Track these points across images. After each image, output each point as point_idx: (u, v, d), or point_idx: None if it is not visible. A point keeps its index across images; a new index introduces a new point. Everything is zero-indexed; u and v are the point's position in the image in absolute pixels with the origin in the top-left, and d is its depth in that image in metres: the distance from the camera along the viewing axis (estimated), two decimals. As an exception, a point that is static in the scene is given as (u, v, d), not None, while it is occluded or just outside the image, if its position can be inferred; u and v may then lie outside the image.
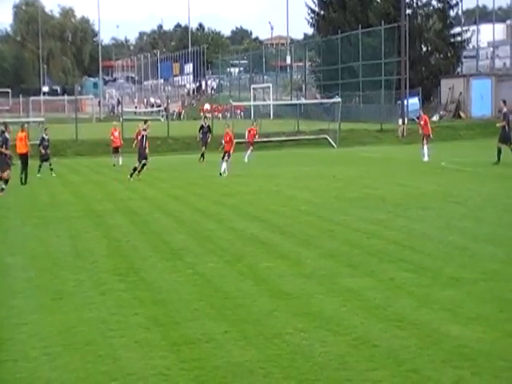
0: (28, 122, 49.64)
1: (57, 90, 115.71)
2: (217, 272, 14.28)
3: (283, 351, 9.60)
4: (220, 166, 32.02)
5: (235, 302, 12.09)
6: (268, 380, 8.70)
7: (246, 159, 38.03)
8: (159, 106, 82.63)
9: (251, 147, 38.55)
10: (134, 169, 31.54)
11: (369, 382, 8.47)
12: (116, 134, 40.63)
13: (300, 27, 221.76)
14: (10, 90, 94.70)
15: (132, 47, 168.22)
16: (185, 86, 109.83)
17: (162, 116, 75.41)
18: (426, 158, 35.06)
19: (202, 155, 40.14)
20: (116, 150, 40.08)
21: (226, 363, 9.28)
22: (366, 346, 9.70)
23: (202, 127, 42.46)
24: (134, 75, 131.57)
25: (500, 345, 9.57)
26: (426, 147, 35.31)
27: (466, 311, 11.08)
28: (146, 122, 33.64)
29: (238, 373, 8.98)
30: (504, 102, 33.78)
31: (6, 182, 26.90)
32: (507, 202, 21.87)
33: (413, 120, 54.06)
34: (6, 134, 27.44)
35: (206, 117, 48.04)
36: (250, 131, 40.37)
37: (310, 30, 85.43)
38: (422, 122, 37.57)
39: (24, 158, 31.68)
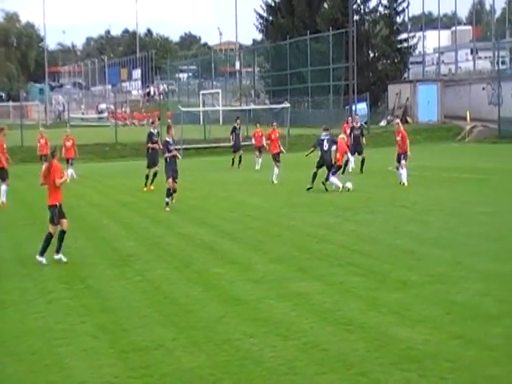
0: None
1: (1, 96, 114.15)
2: (166, 278, 14.23)
3: (233, 357, 9.60)
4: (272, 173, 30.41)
5: (184, 308, 12.06)
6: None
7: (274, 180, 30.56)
8: (112, 111, 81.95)
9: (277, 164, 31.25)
10: None
11: (318, 386, 8.51)
12: (42, 141, 37.38)
13: (249, 33, 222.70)
14: None
15: (79, 53, 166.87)
16: (131, 92, 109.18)
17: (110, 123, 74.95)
18: (405, 181, 27.20)
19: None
20: (45, 158, 37.07)
21: (175, 370, 9.25)
22: (315, 350, 9.73)
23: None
24: (81, 81, 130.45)
25: (446, 346, 9.68)
26: (404, 169, 27.44)
27: (413, 314, 11.18)
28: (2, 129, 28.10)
29: (187, 380, 8.95)
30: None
31: None
32: (453, 206, 22.12)
33: (362, 126, 54.44)
34: None
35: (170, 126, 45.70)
36: (255, 134, 38.56)
37: (259, 36, 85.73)
38: (397, 138, 28.45)
39: None
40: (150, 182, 28.96)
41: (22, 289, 13.76)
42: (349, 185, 26.31)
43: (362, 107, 58.87)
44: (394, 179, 28.19)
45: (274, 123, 33.25)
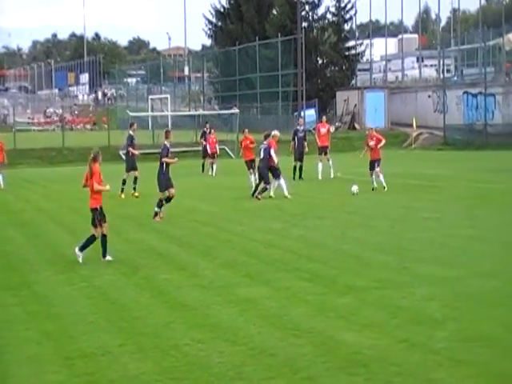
0: None
1: None
2: (113, 284, 14.14)
3: (180, 363, 9.55)
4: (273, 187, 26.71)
5: (132, 314, 11.98)
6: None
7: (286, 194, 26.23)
8: (61, 116, 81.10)
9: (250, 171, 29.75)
10: None
11: (266, 392, 8.52)
12: None
13: (198, 38, 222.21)
14: None
15: (25, 56, 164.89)
16: (77, 96, 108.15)
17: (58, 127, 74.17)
18: (385, 185, 27.05)
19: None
20: None
21: (122, 377, 9.18)
22: (262, 356, 9.72)
23: None
24: (27, 85, 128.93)
25: (392, 350, 9.74)
26: (381, 175, 27.26)
27: (359, 318, 11.24)
28: None
29: (136, 386, 8.90)
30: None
31: None
32: (399, 212, 22.29)
33: (309, 131, 54.69)
34: None
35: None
36: (209, 140, 37.81)
37: (208, 41, 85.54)
38: (371, 143, 27.63)
39: None
40: (132, 189, 27.83)
41: None
42: (354, 188, 26.23)
43: (310, 113, 58.89)
44: (342, 184, 28.41)
45: (246, 129, 31.51)
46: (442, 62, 62.95)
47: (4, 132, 53.45)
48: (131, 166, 28.01)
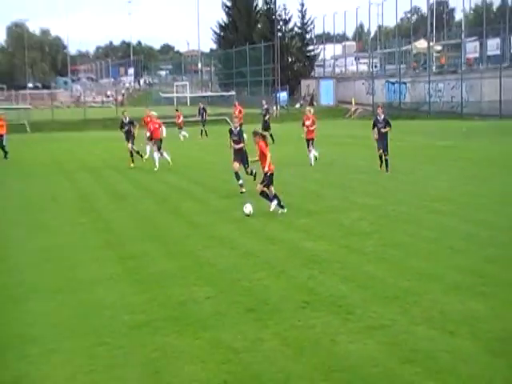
0: (18, 108, 48.04)
1: (38, 86, 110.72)
2: (148, 210, 14.05)
3: (193, 262, 9.52)
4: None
5: (161, 228, 11.92)
6: (184, 281, 8.59)
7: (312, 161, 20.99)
8: (115, 97, 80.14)
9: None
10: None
11: (254, 280, 8.49)
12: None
13: (207, 43, 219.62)
14: (4, 86, 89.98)
15: (91, 56, 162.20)
16: (124, 84, 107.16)
17: (112, 103, 73.25)
18: (312, 163, 20.65)
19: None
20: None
21: (156, 271, 9.14)
22: (250, 256, 9.71)
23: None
24: (92, 76, 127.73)
25: (337, 253, 9.74)
26: (312, 151, 20.93)
27: (316, 232, 11.23)
28: None
29: (168, 276, 8.81)
30: None
31: None
32: (343, 160, 22.03)
33: (282, 107, 54.74)
34: None
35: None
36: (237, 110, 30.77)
37: (214, 46, 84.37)
38: (307, 122, 20.92)
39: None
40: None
41: (54, 217, 13.51)
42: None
43: (283, 95, 59.13)
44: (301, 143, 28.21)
45: (235, 102, 26.11)
46: (371, 61, 62.50)
47: (78, 107, 52.80)
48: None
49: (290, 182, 17.30)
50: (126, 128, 22.32)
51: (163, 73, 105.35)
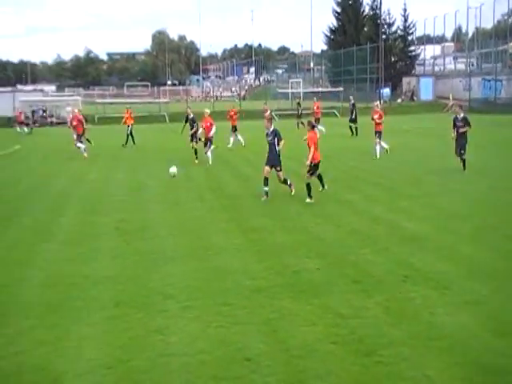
0: (159, 102, 50.79)
1: (175, 83, 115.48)
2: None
3: (307, 237, 9.44)
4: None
5: (239, 205, 11.87)
6: (298, 253, 8.52)
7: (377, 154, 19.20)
8: (237, 92, 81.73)
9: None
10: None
11: (360, 255, 8.25)
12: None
13: (319, 45, 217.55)
14: (149, 83, 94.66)
15: (219, 57, 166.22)
16: (246, 81, 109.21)
17: (236, 97, 74.59)
18: (378, 155, 19.01)
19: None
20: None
21: (274, 243, 9.14)
22: (356, 234, 9.44)
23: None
24: (220, 74, 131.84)
25: (436, 233, 9.27)
26: (378, 145, 19.31)
27: (416, 213, 10.74)
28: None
29: (284, 248, 8.75)
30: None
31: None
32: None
33: (385, 101, 53.39)
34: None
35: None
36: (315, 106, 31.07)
37: (325, 47, 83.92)
38: (375, 116, 19.46)
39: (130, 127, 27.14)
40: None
41: (187, 194, 13.64)
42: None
43: (386, 91, 57.71)
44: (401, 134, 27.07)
45: (314, 98, 24.55)
46: (468, 60, 59.00)
47: (207, 101, 54.34)
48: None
49: (392, 167, 16.73)
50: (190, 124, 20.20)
51: (280, 71, 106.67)
